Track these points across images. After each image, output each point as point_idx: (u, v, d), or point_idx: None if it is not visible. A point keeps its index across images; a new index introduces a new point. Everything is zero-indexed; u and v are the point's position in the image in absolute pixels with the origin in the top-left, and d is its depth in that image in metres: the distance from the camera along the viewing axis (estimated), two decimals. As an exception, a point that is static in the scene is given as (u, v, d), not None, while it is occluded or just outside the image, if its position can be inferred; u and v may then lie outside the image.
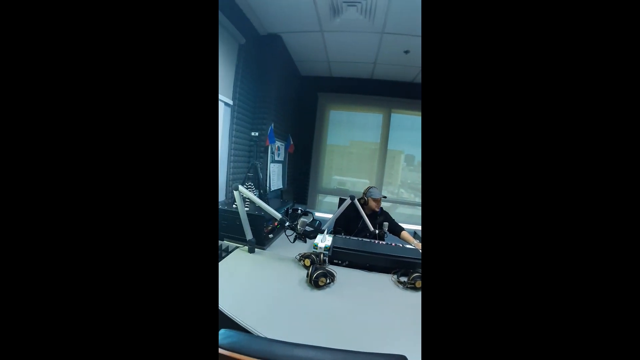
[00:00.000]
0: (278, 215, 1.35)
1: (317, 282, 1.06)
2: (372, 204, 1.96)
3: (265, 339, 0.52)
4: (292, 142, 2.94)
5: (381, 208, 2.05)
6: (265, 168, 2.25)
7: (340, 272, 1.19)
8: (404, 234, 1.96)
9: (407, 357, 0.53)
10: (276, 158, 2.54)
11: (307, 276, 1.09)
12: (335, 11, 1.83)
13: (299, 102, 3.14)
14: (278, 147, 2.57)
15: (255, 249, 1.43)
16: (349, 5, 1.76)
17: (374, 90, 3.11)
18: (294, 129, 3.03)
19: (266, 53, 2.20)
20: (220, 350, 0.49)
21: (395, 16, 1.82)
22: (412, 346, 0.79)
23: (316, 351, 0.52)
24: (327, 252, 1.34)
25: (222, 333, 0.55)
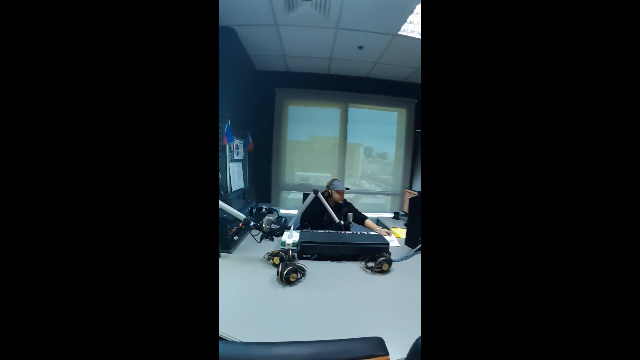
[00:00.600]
0: (242, 216, 1.31)
1: (289, 278, 1.06)
2: (336, 196, 2.01)
3: (241, 343, 0.51)
4: (250, 140, 2.85)
5: (345, 199, 2.12)
6: (224, 168, 2.15)
7: (311, 266, 1.21)
8: (368, 222, 2.05)
9: (383, 337, 0.57)
10: (235, 157, 2.45)
11: (278, 274, 1.09)
12: (289, 5, 1.80)
13: (256, 98, 3.04)
14: (237, 145, 2.47)
15: (221, 254, 1.38)
16: (303, 0, 1.75)
17: (331, 85, 3.15)
18: (252, 126, 2.94)
19: (220, 47, 2.09)
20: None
21: (349, 12, 1.86)
22: (387, 327, 0.85)
23: (294, 347, 0.53)
24: (295, 248, 1.34)
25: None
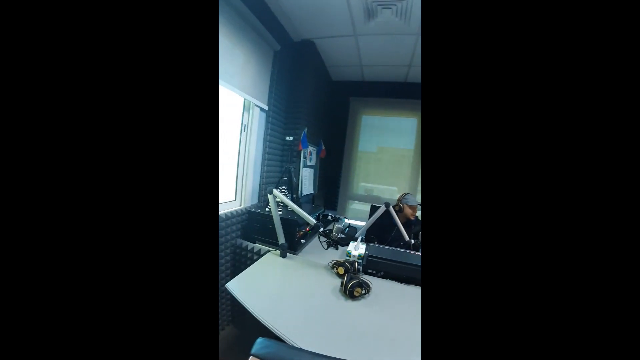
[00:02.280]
0: (312, 220, 1.33)
1: (353, 292, 1.02)
2: (408, 211, 1.87)
3: (295, 348, 0.50)
4: (323, 147, 2.93)
5: (417, 217, 1.95)
6: (297, 172, 2.26)
7: (376, 283, 1.13)
8: (443, 244, 1.83)
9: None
10: (308, 163, 2.55)
11: (342, 285, 1.06)
12: (369, 14, 1.80)
13: (331, 107, 3.13)
14: (310, 151, 2.58)
15: (287, 254, 1.43)
16: (383, 8, 1.72)
17: (407, 94, 3.00)
18: (325, 134, 3.03)
19: (299, 59, 2.23)
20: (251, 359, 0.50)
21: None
22: None
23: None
24: (361, 261, 1.29)
25: (260, 342, 0.54)
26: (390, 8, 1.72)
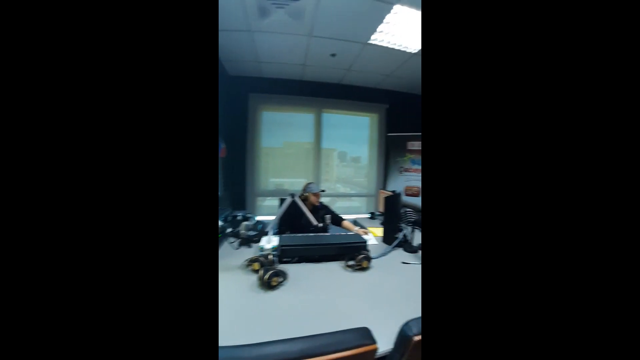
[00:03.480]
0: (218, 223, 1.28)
1: (270, 282, 1.05)
2: (313, 198, 2.03)
3: (228, 347, 0.50)
4: (224, 146, 2.78)
5: (321, 202, 2.14)
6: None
7: (292, 269, 1.20)
8: (345, 222, 2.09)
9: (369, 328, 0.59)
10: (209, 162, 2.37)
11: (259, 279, 1.08)
12: (263, 12, 1.81)
13: (229, 103, 2.99)
14: (210, 150, 2.40)
15: (197, 261, 1.32)
16: (277, 7, 1.77)
17: (305, 91, 3.19)
18: (225, 131, 2.87)
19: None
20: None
21: (322, 20, 1.91)
22: (372, 319, 0.86)
23: (285, 344, 0.53)
24: (275, 252, 1.33)
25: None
26: (284, 7, 1.78)
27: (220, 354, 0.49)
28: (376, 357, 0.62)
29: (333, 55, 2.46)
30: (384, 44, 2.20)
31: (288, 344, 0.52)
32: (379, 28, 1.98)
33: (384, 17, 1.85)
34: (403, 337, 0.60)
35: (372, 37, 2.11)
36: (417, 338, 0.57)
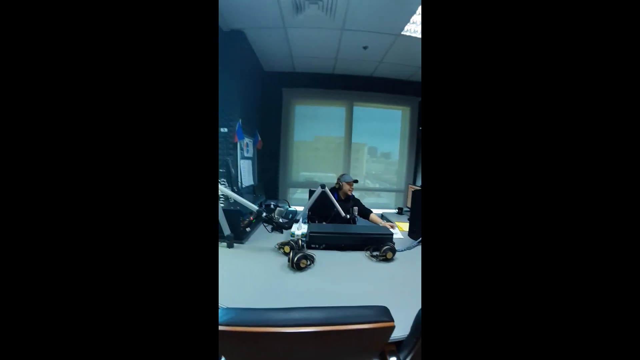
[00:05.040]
0: (254, 207, 1.40)
1: (299, 264, 1.14)
2: (346, 187, 2.10)
3: (260, 309, 0.59)
4: (259, 138, 2.94)
5: (352, 195, 2.19)
6: (236, 164, 2.25)
7: (319, 255, 1.28)
8: (373, 216, 2.12)
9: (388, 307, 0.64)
10: (245, 154, 2.54)
11: (289, 261, 1.17)
12: (297, 8, 1.88)
13: (264, 97, 3.13)
14: (247, 143, 2.57)
15: (234, 244, 1.46)
16: (310, 3, 1.83)
17: (336, 84, 3.22)
18: (261, 125, 3.03)
19: (230, 49, 2.18)
20: (221, 328, 0.52)
21: (354, 14, 1.93)
22: (391, 303, 0.90)
23: (308, 311, 0.60)
24: (304, 238, 1.42)
25: (219, 312, 0.58)
26: (317, 3, 1.83)
27: (253, 314, 0.57)
28: (392, 339, 0.66)
29: (365, 47, 2.46)
30: (417, 35, 2.15)
31: (311, 312, 0.59)
32: (412, 19, 1.95)
33: (416, 9, 1.81)
34: (420, 324, 0.64)
35: (405, 28, 2.07)
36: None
